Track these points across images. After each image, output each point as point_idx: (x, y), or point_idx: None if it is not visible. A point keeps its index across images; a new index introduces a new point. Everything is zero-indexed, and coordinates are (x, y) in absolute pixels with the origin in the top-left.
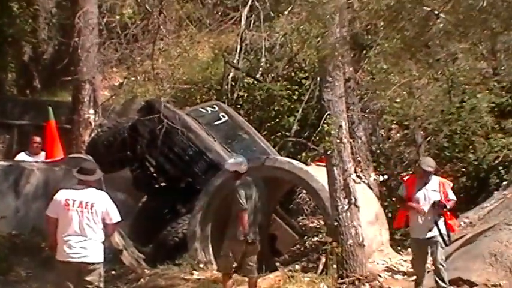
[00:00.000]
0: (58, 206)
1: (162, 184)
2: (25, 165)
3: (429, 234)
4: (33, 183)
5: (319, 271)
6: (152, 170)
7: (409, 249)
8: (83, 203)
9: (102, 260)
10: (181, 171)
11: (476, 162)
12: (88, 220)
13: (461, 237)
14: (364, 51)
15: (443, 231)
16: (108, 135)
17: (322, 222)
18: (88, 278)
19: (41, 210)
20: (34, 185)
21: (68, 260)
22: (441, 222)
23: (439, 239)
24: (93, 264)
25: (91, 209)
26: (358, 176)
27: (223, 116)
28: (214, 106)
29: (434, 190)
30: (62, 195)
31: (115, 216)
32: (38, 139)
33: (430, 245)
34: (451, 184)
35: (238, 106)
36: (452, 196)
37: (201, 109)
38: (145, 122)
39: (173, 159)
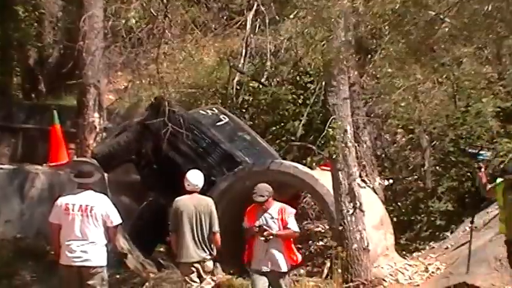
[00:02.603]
0: (59, 211)
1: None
2: (30, 169)
3: (264, 268)
4: (38, 186)
5: (324, 275)
6: (163, 166)
7: (414, 254)
8: (83, 206)
9: (104, 263)
10: (194, 164)
11: None
12: (89, 224)
13: (466, 243)
14: (369, 55)
15: (281, 264)
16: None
17: (327, 227)
18: (90, 282)
19: (45, 214)
20: (39, 189)
21: (69, 264)
22: (279, 255)
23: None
24: (94, 268)
25: (91, 212)
26: (363, 181)
27: (223, 117)
28: (214, 109)
29: (273, 218)
30: (61, 201)
31: (115, 219)
32: None
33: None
34: (293, 211)
35: (243, 110)
36: (292, 225)
37: (201, 111)
38: (154, 118)
39: (186, 152)
